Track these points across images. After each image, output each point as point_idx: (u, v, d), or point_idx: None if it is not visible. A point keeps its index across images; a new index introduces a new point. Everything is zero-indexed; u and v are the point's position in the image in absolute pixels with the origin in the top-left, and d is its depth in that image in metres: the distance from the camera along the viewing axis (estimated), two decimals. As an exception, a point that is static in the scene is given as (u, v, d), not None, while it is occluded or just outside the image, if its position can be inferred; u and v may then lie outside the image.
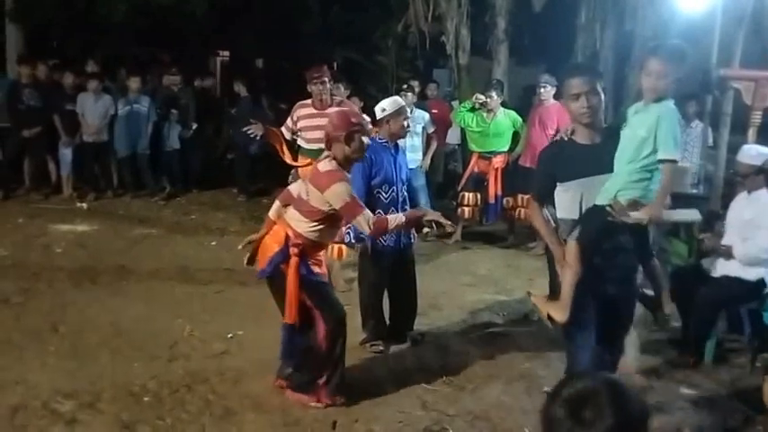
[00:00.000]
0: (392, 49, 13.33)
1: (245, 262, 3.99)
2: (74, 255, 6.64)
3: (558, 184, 3.22)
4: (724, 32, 6.26)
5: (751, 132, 5.79)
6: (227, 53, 16.89)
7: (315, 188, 3.60)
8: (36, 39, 11.16)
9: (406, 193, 4.66)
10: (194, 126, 9.56)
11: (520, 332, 5.21)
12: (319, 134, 5.60)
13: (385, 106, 4.74)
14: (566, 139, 3.24)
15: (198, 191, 9.78)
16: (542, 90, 7.18)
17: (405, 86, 8.04)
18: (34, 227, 7.57)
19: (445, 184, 9.57)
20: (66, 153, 8.97)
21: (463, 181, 7.55)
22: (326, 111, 5.66)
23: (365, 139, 3.71)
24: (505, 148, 7.34)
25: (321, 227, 3.67)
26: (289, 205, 3.86)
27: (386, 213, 4.39)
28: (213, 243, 7.36)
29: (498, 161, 7.28)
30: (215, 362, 4.47)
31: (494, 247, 7.59)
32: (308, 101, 5.73)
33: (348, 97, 7.85)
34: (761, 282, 4.46)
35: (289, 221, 3.73)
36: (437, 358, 4.64)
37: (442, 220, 3.83)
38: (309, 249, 3.72)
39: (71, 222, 7.84)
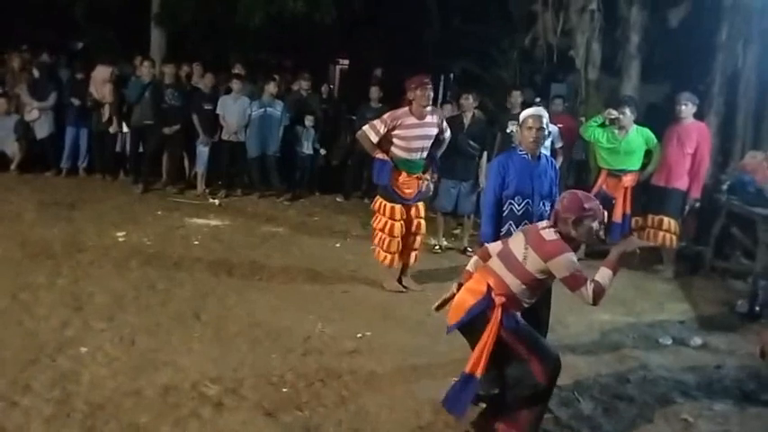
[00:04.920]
0: (513, 62, 13.26)
1: (435, 307, 3.95)
2: (210, 247, 7.00)
3: None
4: None
5: None
6: (346, 61, 17.33)
7: (536, 254, 3.49)
8: (176, 43, 11.85)
9: (546, 208, 4.47)
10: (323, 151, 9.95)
11: (652, 356, 5.07)
12: (421, 144, 5.88)
13: (521, 116, 4.71)
14: None
15: (320, 193, 10.08)
16: (683, 107, 6.94)
17: (537, 99, 7.95)
18: (172, 219, 8.04)
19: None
20: (203, 151, 9.49)
21: (590, 198, 7.38)
22: (425, 120, 5.85)
23: (594, 225, 3.53)
24: (637, 167, 7.12)
25: (526, 290, 3.57)
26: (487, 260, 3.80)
27: (518, 226, 4.37)
28: (337, 245, 7.56)
29: (628, 180, 7.07)
30: (347, 359, 4.59)
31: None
32: (405, 109, 5.85)
33: (459, 108, 7.96)
34: None
35: (496, 271, 3.61)
36: (567, 377, 4.55)
37: (643, 244, 3.66)
38: (509, 303, 3.58)
39: (205, 217, 8.27)
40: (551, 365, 3.57)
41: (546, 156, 4.70)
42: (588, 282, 3.38)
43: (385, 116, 5.91)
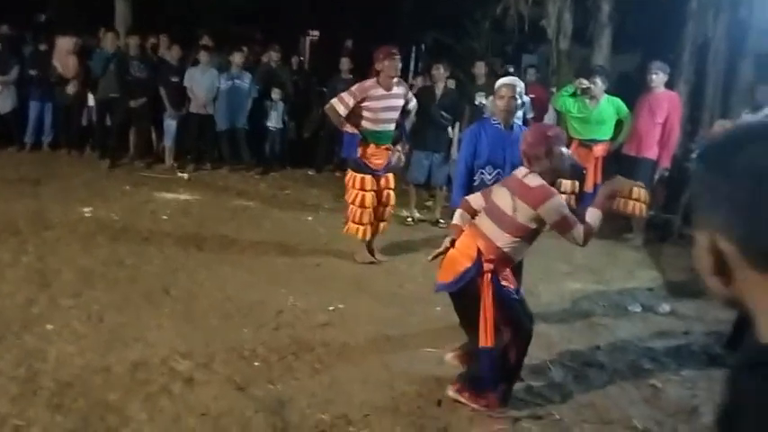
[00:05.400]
0: (485, 32, 13.19)
1: (430, 259, 3.89)
2: (179, 222, 6.90)
3: None
4: None
5: None
6: (316, 33, 17.10)
7: (525, 204, 3.46)
8: (142, 14, 11.57)
9: None
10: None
11: (621, 324, 5.13)
12: (389, 115, 5.86)
13: (496, 85, 4.69)
14: None
15: (291, 167, 9.99)
16: (654, 77, 6.96)
17: (511, 69, 7.94)
18: (140, 194, 7.91)
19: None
20: (171, 124, 9.33)
21: (561, 168, 7.40)
22: (393, 91, 5.84)
23: (564, 149, 3.58)
24: (607, 137, 7.15)
25: (520, 242, 3.55)
26: (475, 215, 3.77)
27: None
28: (309, 218, 7.51)
29: (599, 149, 7.11)
30: (319, 332, 4.57)
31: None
32: (373, 81, 5.82)
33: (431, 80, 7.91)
34: None
35: (485, 232, 3.58)
36: (539, 346, 4.58)
37: (629, 183, 3.65)
38: (500, 265, 3.58)
39: (174, 191, 8.15)
40: (524, 338, 3.61)
41: (519, 126, 4.69)
42: (578, 224, 3.42)
43: (353, 88, 5.87)
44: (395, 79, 5.85)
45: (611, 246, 7.08)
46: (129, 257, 5.68)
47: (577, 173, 7.16)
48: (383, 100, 5.79)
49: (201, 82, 9.12)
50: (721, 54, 8.36)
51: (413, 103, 6.17)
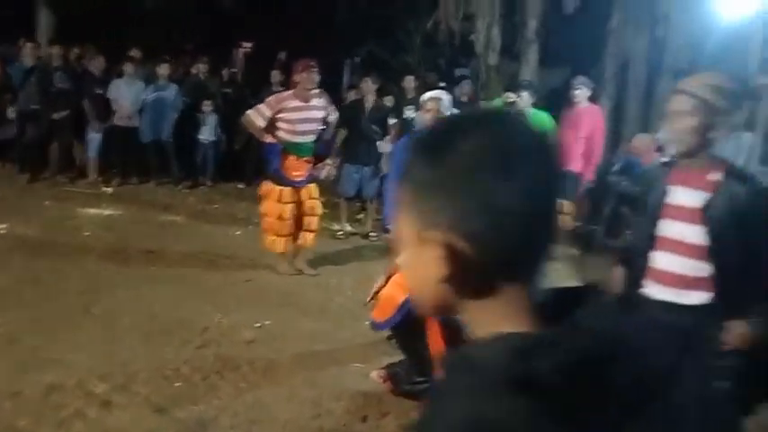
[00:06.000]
0: (417, 47, 13.32)
1: (368, 301, 3.90)
2: (102, 238, 6.69)
3: None
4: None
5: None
6: (249, 44, 16.94)
7: None
8: (66, 25, 11.23)
9: None
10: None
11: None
12: (307, 127, 5.86)
13: (421, 99, 4.74)
14: None
15: (221, 180, 9.82)
16: (577, 92, 7.15)
17: (441, 85, 8.02)
18: (61, 209, 7.64)
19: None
20: (94, 137, 9.04)
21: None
22: (311, 103, 5.83)
23: None
24: (534, 150, 7.29)
25: None
26: None
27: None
28: (238, 232, 7.39)
29: (526, 163, 7.24)
30: (245, 350, 4.48)
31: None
32: (290, 92, 5.82)
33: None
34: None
35: None
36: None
37: None
38: None
39: (97, 206, 7.91)
40: None
41: None
42: None
43: (269, 99, 5.84)
44: (314, 91, 5.83)
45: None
46: (46, 275, 5.46)
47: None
48: (300, 112, 5.76)
49: (127, 94, 8.90)
50: (641, 70, 8.66)
51: (333, 116, 6.18)
